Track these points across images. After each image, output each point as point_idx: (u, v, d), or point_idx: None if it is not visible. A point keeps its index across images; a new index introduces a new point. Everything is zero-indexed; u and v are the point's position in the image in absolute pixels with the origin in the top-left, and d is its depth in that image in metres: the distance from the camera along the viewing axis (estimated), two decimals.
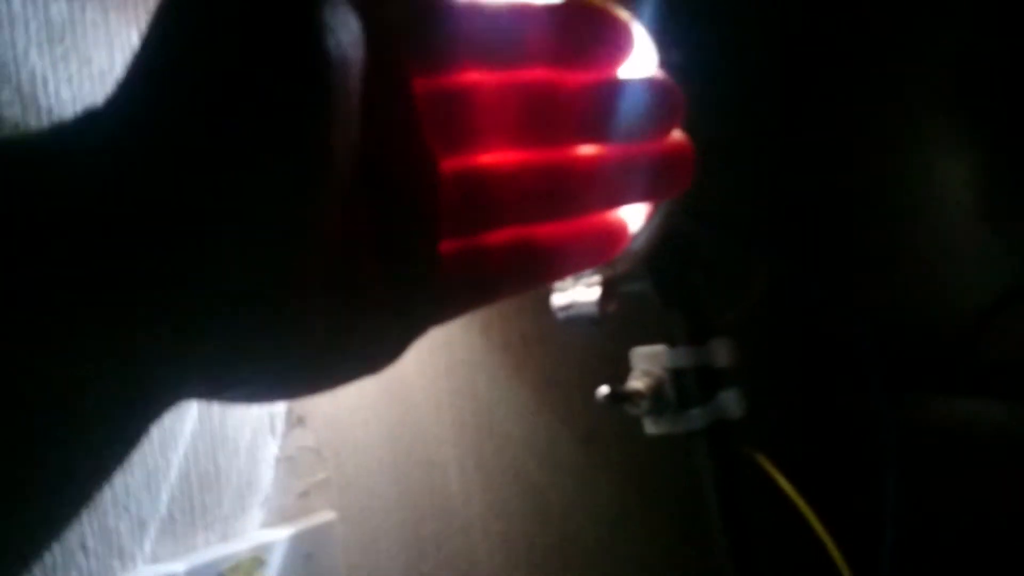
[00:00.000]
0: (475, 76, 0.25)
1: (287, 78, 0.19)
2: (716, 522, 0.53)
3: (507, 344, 0.68)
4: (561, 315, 0.49)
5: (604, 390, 0.53)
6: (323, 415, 0.56)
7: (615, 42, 0.26)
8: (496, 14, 0.25)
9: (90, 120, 0.20)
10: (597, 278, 0.48)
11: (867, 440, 0.55)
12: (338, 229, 0.22)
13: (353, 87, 0.21)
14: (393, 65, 0.23)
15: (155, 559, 0.47)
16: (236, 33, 0.19)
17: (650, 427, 0.54)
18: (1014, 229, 0.83)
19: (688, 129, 0.28)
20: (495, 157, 0.26)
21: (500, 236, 0.27)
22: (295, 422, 0.55)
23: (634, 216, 0.29)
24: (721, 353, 0.52)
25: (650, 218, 0.42)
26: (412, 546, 0.61)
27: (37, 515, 0.18)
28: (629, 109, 0.26)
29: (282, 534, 0.52)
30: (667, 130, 0.27)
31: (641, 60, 0.28)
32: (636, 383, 0.53)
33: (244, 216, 0.19)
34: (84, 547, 0.44)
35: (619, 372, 0.55)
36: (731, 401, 0.52)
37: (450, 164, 0.25)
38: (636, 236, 0.41)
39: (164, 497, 0.47)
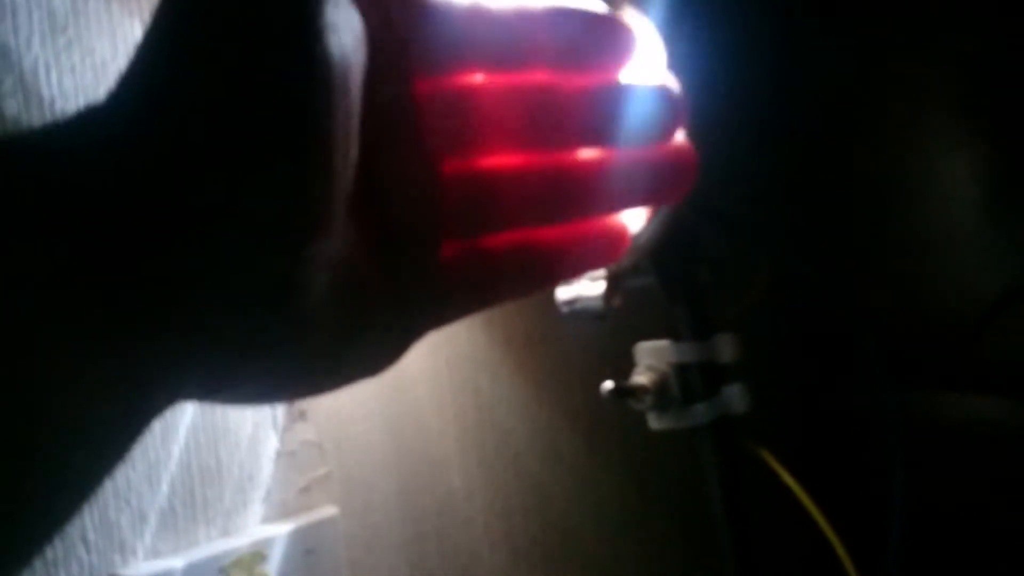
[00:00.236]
0: (478, 79, 0.25)
1: (288, 77, 0.19)
2: (720, 518, 0.53)
3: (510, 340, 0.68)
4: (565, 309, 0.49)
5: (608, 385, 0.53)
6: (325, 410, 0.56)
7: (618, 46, 0.26)
8: (499, 17, 0.24)
9: (91, 117, 0.19)
10: (602, 273, 0.48)
11: (871, 436, 0.55)
12: (339, 230, 0.22)
13: (355, 87, 0.21)
14: (395, 66, 0.23)
15: (156, 553, 0.47)
16: (238, 31, 0.19)
17: (654, 422, 0.54)
18: (1017, 227, 0.83)
19: (690, 131, 0.28)
20: (497, 160, 0.26)
21: (502, 239, 0.27)
22: (296, 416, 0.55)
23: (635, 219, 0.29)
24: (726, 348, 0.52)
25: (653, 215, 0.42)
26: (413, 541, 0.61)
27: (37, 512, 0.18)
28: (632, 113, 0.26)
29: (283, 529, 0.51)
30: (669, 134, 0.27)
31: (648, 60, 0.28)
32: (640, 378, 0.53)
33: (245, 216, 0.19)
34: (85, 540, 0.44)
35: (623, 367, 0.55)
36: (735, 396, 0.52)
37: (452, 167, 0.25)
38: (641, 231, 0.41)
39: (165, 490, 0.47)
